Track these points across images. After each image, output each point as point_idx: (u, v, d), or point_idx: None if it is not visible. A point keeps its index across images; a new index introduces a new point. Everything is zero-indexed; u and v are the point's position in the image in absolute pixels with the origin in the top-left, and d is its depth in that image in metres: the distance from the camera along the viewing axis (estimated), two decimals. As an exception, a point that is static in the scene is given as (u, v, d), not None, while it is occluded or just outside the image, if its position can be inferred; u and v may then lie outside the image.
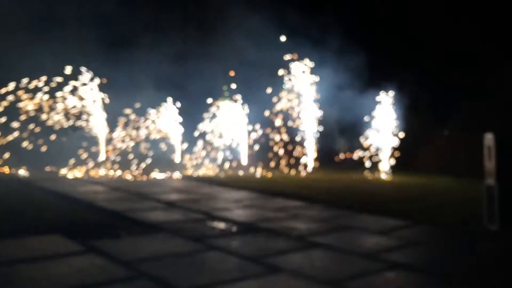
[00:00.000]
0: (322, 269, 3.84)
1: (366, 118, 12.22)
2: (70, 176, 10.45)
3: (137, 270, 3.66)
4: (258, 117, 12.44)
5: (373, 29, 12.33)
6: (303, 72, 12.46)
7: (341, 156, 13.50)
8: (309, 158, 12.53)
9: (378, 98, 12.06)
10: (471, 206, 6.56)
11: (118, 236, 4.81)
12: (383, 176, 11.68)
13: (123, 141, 11.66)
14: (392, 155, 12.14)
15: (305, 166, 12.43)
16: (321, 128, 12.69)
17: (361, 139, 12.36)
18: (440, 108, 12.83)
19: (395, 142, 12.14)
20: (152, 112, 11.70)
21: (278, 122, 12.58)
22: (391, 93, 12.08)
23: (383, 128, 12.08)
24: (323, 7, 11.90)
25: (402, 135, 12.15)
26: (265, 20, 11.66)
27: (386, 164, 12.09)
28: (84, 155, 11.25)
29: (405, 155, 12.32)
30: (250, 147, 12.39)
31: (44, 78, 10.85)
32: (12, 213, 5.91)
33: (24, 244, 4.41)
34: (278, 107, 12.56)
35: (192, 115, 11.96)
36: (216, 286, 3.35)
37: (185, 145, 12.08)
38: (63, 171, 10.81)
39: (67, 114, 11.14)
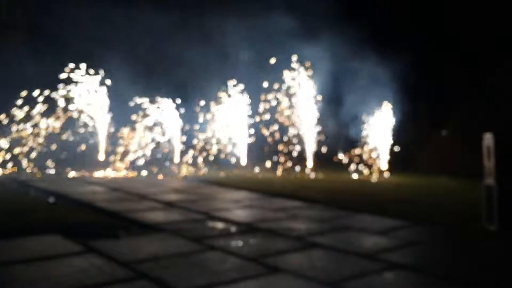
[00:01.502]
0: (322, 269, 3.84)
1: (365, 118, 12.23)
2: (70, 176, 10.47)
3: (137, 270, 3.66)
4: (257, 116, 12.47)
5: (371, 28, 12.32)
6: (304, 70, 12.47)
7: (340, 156, 13.48)
8: (309, 158, 12.53)
9: (377, 98, 12.07)
10: (470, 206, 6.56)
11: (117, 237, 4.80)
12: (382, 176, 11.68)
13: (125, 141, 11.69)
14: (391, 155, 12.14)
15: (305, 166, 12.43)
16: (320, 128, 12.68)
17: (360, 139, 12.37)
18: (439, 108, 12.83)
19: (394, 142, 12.14)
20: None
21: (277, 121, 12.59)
22: (391, 93, 12.08)
23: (382, 128, 12.08)
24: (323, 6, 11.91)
25: (401, 135, 12.15)
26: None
27: (385, 164, 12.10)
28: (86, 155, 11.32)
29: (404, 155, 12.32)
30: (249, 147, 12.39)
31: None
32: (10, 213, 5.90)
33: (23, 244, 4.40)
34: (278, 107, 12.57)
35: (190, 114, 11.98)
36: (215, 287, 3.35)
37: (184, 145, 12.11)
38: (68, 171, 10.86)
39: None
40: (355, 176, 11.70)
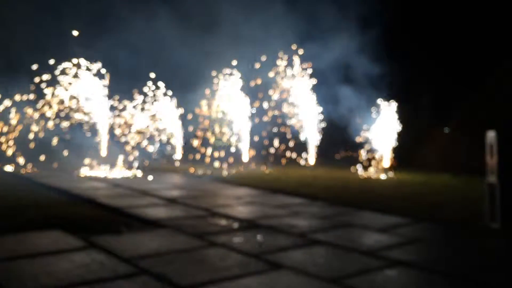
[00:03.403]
0: (323, 266, 3.84)
1: (367, 116, 12.21)
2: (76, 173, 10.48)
3: (138, 266, 3.66)
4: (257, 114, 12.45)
5: (372, 29, 12.30)
6: (304, 69, 12.45)
7: (342, 153, 13.47)
8: (310, 155, 12.52)
9: (380, 96, 12.05)
10: (472, 204, 6.55)
11: (119, 232, 4.80)
12: (384, 173, 11.66)
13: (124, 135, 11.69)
14: (393, 153, 12.12)
15: (306, 163, 12.42)
16: (322, 125, 12.67)
17: (362, 137, 12.35)
18: (441, 106, 12.81)
19: (397, 140, 12.12)
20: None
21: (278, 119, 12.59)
22: (393, 91, 12.06)
23: (385, 125, 12.06)
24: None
25: (403, 132, 12.13)
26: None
27: (387, 161, 12.08)
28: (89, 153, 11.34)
29: (406, 152, 12.30)
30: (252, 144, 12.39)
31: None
32: (12, 208, 5.91)
33: (25, 239, 4.40)
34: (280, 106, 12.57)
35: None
36: (217, 283, 3.35)
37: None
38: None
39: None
40: (356, 173, 11.68)
